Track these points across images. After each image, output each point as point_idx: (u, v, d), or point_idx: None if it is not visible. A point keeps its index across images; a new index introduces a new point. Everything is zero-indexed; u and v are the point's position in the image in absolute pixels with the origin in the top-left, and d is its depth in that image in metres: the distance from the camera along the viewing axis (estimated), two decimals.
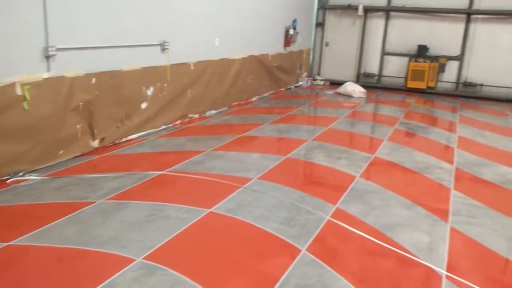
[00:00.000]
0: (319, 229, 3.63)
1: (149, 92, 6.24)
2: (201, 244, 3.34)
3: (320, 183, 4.91)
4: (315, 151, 5.91)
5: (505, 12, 10.41)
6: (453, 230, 3.78)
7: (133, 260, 3.03)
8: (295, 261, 3.12)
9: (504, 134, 7.46)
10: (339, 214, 3.97)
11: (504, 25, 10.58)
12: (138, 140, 5.98)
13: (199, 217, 3.73)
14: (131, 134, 6.00)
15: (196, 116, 7.44)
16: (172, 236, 3.39)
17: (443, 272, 3.12)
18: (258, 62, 9.33)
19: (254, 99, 9.37)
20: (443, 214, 4.10)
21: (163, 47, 6.39)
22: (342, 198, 4.33)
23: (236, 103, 8.72)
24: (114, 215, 3.70)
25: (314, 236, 3.50)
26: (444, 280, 3.03)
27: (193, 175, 4.75)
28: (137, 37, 5.89)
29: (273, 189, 4.44)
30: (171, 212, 3.80)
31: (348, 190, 4.53)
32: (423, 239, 3.58)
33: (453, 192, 4.67)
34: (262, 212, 3.89)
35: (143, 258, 3.06)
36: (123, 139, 5.86)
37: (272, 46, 10.00)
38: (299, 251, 3.27)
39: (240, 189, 4.39)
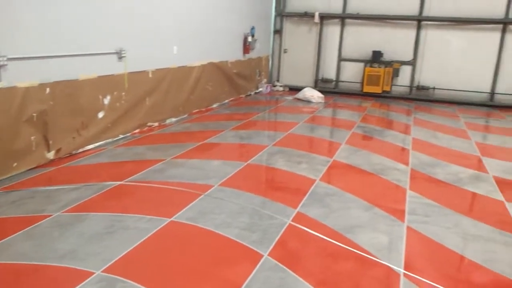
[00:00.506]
0: (280, 234, 3.67)
1: (106, 101, 6.12)
2: (162, 254, 3.30)
3: (281, 188, 4.96)
4: (275, 157, 5.97)
5: (453, 19, 10.89)
6: (409, 229, 3.91)
7: (92, 273, 2.96)
8: (257, 266, 3.15)
9: (456, 135, 7.78)
10: (300, 217, 4.02)
11: (452, 31, 11.06)
12: (96, 150, 5.86)
13: (160, 227, 3.69)
14: (88, 144, 5.87)
15: (156, 124, 7.36)
16: (132, 247, 3.34)
17: (401, 270, 3.22)
18: (218, 69, 9.34)
19: (214, 106, 9.37)
20: (400, 214, 4.23)
21: (120, 55, 6.30)
22: (303, 202, 4.39)
23: (197, 110, 8.70)
24: (72, 228, 3.61)
25: (275, 241, 3.54)
26: (402, 278, 3.13)
27: (153, 184, 4.69)
28: (93, 45, 5.78)
29: (234, 195, 4.46)
30: (131, 223, 3.74)
31: (308, 194, 4.60)
32: (381, 239, 3.68)
33: (409, 192, 4.84)
34: (223, 219, 3.89)
35: (103, 271, 3.00)
36: (80, 150, 5.72)
37: (231, 53, 10.04)
38: (261, 256, 3.29)
39: (201, 196, 4.38)
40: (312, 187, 4.81)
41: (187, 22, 8.01)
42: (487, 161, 6.18)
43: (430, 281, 3.12)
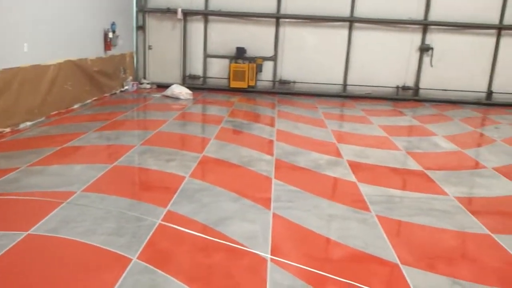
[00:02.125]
0: (150, 235, 3.61)
1: None
2: (20, 271, 3.03)
3: (150, 187, 4.87)
4: (144, 156, 5.83)
5: (307, 16, 11.70)
6: (275, 216, 4.14)
7: None
8: (126, 271, 3.06)
9: (315, 125, 8.40)
10: (170, 216, 4.00)
11: (307, 28, 11.88)
12: None
13: (15, 242, 3.38)
14: None
15: (8, 130, 6.67)
16: None
17: (268, 256, 3.40)
18: (77, 67, 8.78)
19: (76, 106, 8.80)
20: (266, 202, 4.45)
21: None
22: (173, 200, 4.37)
23: (56, 112, 8.08)
24: None
25: (145, 243, 3.47)
26: (269, 263, 3.30)
27: (6, 196, 4.26)
28: None
29: (99, 200, 4.26)
30: None
31: (178, 192, 4.59)
32: (250, 228, 3.84)
33: (274, 181, 5.10)
34: (88, 226, 3.70)
35: None
36: None
37: (91, 50, 9.51)
38: (130, 260, 3.20)
39: (63, 205, 4.10)
40: (182, 184, 4.81)
41: (40, 17, 7.36)
42: (341, 147, 6.78)
43: (295, 262, 3.33)
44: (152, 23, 12.22)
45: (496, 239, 3.91)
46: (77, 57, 8.78)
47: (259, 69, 11.96)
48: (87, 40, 9.30)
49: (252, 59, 11.89)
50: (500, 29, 11.58)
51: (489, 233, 4.02)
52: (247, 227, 3.86)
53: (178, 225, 3.80)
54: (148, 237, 3.57)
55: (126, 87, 11.38)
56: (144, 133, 7.15)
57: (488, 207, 4.74)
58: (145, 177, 5.24)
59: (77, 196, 4.32)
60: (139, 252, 3.33)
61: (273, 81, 12.25)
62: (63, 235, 3.53)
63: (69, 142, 6.24)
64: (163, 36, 12.25)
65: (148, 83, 12.16)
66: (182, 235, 3.66)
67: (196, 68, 12.38)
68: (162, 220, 3.89)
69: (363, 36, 11.82)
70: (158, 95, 10.90)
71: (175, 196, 4.47)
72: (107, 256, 3.27)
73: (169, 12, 11.88)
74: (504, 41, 11.66)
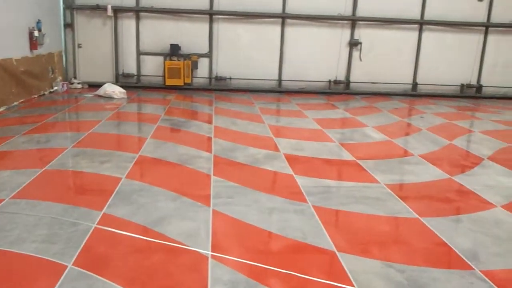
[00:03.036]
0: (85, 240, 3.50)
1: None
2: None
3: (85, 191, 4.72)
4: (76, 158, 5.63)
5: (240, 13, 11.76)
6: (215, 213, 4.15)
7: None
8: (61, 279, 2.95)
9: (252, 120, 8.48)
10: (107, 219, 3.90)
11: (242, 24, 11.95)
12: None
13: None
14: None
15: None
16: None
17: (209, 253, 3.41)
18: (1, 68, 8.27)
19: (1, 109, 8.29)
20: (206, 199, 4.45)
21: None
22: (109, 202, 4.26)
23: None
24: None
25: (80, 248, 3.36)
26: (210, 260, 3.31)
27: None
28: None
29: (30, 207, 4.06)
30: None
31: (114, 194, 4.48)
32: (189, 227, 3.83)
33: (213, 177, 5.11)
34: (18, 234, 3.52)
35: None
36: None
37: (16, 49, 8.98)
38: (65, 267, 3.09)
39: None
40: (118, 186, 4.70)
41: None
42: (278, 141, 6.92)
43: (236, 257, 3.37)
44: (81, 20, 11.75)
45: (424, 222, 4.17)
46: (0, 57, 8.27)
47: (194, 66, 11.88)
48: (10, 39, 8.78)
49: (187, 56, 11.79)
50: (421, 24, 12.29)
51: (418, 216, 4.28)
52: (187, 226, 3.85)
53: (114, 228, 3.72)
54: (84, 242, 3.46)
55: (55, 88, 10.88)
56: (76, 134, 6.89)
57: (416, 192, 5.04)
58: (78, 180, 5.06)
59: (5, 204, 4.09)
60: (74, 258, 3.22)
61: (210, 78, 12.22)
62: None
63: None
64: (93, 34, 11.82)
65: (79, 83, 11.69)
66: (120, 238, 3.59)
67: (129, 66, 12.07)
68: (98, 224, 3.79)
69: (295, 32, 12.09)
70: (90, 95, 10.53)
71: (111, 198, 4.36)
72: (40, 265, 3.14)
73: (99, 9, 11.48)
74: (425, 35, 12.38)
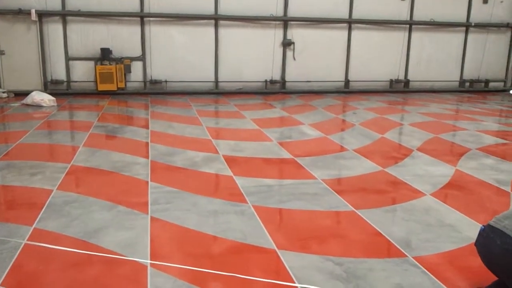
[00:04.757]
0: (15, 258, 3.29)
1: None
2: None
3: (13, 206, 4.46)
4: (3, 172, 5.31)
5: (172, 15, 11.62)
6: (153, 220, 4.06)
7: None
8: None
9: (189, 123, 8.40)
10: (38, 234, 3.70)
11: (174, 26, 11.81)
12: None
13: None
14: None
15: None
16: None
17: (148, 261, 3.33)
18: None
19: None
20: (143, 206, 4.34)
21: None
22: (40, 216, 4.04)
23: None
24: None
25: (9, 267, 3.16)
26: (149, 269, 3.23)
27: None
28: None
29: None
30: None
31: (45, 207, 4.26)
32: (126, 236, 3.71)
33: (150, 183, 5.00)
34: None
35: None
36: None
37: None
38: None
39: None
40: (49, 198, 4.47)
41: None
42: (217, 143, 6.89)
43: (177, 264, 3.31)
44: (2, 26, 11.09)
45: (359, 214, 4.31)
46: None
47: (127, 70, 11.58)
48: None
49: (119, 60, 11.47)
50: (350, 23, 12.74)
51: (353, 209, 4.43)
52: (124, 235, 3.73)
53: (46, 243, 3.53)
54: (13, 260, 3.26)
55: None
56: (3, 146, 6.49)
57: (352, 186, 5.22)
58: (6, 195, 4.76)
59: None
60: (2, 278, 3.02)
61: (144, 82, 11.97)
62: None
63: None
64: (17, 40, 11.20)
65: (4, 92, 11.03)
66: (52, 253, 3.41)
67: (58, 72, 11.55)
68: (28, 240, 3.58)
69: (229, 33, 12.13)
70: (16, 104, 9.96)
71: (41, 212, 4.14)
72: None
73: (22, 13, 10.88)
74: (353, 33, 12.86)
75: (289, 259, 3.41)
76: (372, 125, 8.53)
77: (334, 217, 4.33)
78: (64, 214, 4.11)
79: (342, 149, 6.83)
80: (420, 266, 3.34)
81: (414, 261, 3.42)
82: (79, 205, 4.32)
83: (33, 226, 3.85)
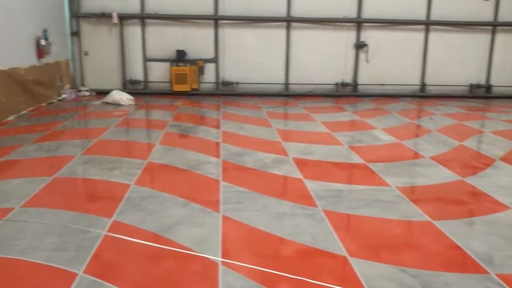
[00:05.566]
0: (96, 247, 3.49)
1: None
2: None
3: (94, 198, 4.72)
4: (85, 166, 5.64)
5: (245, 17, 11.77)
6: (224, 218, 4.13)
7: None
8: (72, 286, 2.94)
9: (260, 124, 8.46)
10: (116, 226, 3.89)
11: (247, 28, 11.96)
12: None
13: None
14: None
15: None
16: None
17: (219, 259, 3.38)
18: (9, 77, 8.34)
19: (10, 118, 8.35)
20: (215, 205, 4.42)
21: None
22: (118, 209, 4.25)
23: None
24: None
25: (91, 256, 3.35)
26: (220, 266, 3.29)
27: None
28: None
29: (40, 215, 4.07)
30: None
31: (123, 200, 4.47)
32: (199, 233, 3.81)
33: (221, 183, 5.09)
34: (29, 243, 3.52)
35: None
36: None
37: (23, 59, 9.06)
38: (76, 275, 3.08)
39: (0, 222, 3.88)
40: (128, 193, 4.69)
41: None
42: (286, 145, 6.88)
43: (247, 263, 3.34)
44: (87, 28, 11.83)
45: (436, 225, 4.11)
46: (8, 67, 8.34)
47: (201, 71, 11.90)
48: (17, 49, 8.86)
49: (193, 62, 11.81)
50: (427, 24, 12.21)
51: (430, 219, 4.22)
52: (197, 232, 3.82)
53: (124, 235, 3.70)
54: (94, 250, 3.45)
55: (64, 96, 10.95)
56: (85, 142, 6.91)
57: (428, 195, 4.98)
58: (88, 187, 5.06)
59: (15, 212, 4.10)
60: (85, 265, 3.21)
61: (216, 83, 12.22)
62: (2, 254, 3.34)
63: (5, 156, 5.92)
64: (100, 42, 11.89)
65: (87, 90, 11.76)
66: (129, 245, 3.57)
67: (136, 72, 12.11)
68: (107, 231, 3.78)
69: (301, 35, 12.07)
70: (98, 102, 10.57)
71: (120, 205, 4.35)
72: (51, 273, 3.13)
73: (104, 16, 11.54)
74: (431, 35, 12.31)
75: (361, 267, 3.32)
76: (450, 131, 8.11)
77: (409, 227, 4.16)
78: (141, 208, 4.29)
79: (417, 156, 6.56)
80: (505, 284, 3.11)
81: (498, 279, 3.19)
82: (155, 201, 4.49)
83: (112, 218, 4.05)
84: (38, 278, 3.08)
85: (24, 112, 8.97)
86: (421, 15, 12.16)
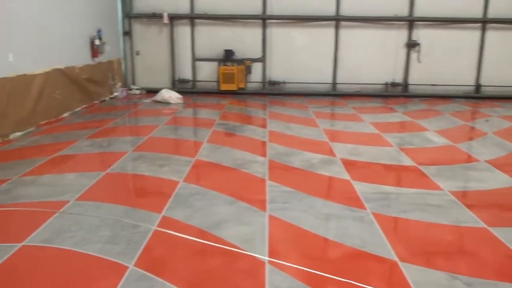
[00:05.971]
0: (146, 242, 3.57)
1: None
2: (16, 283, 2.98)
3: (144, 194, 4.83)
4: (136, 162, 5.79)
5: (293, 17, 11.72)
6: (271, 217, 4.11)
7: None
8: (123, 279, 3.02)
9: (306, 124, 8.39)
10: (165, 222, 3.96)
11: (294, 28, 11.89)
12: None
13: (10, 254, 3.33)
14: None
15: None
16: None
17: (266, 258, 3.37)
18: (65, 76, 8.71)
19: (65, 115, 8.72)
20: (261, 204, 4.42)
21: None
22: (167, 205, 4.33)
23: (45, 121, 8.00)
24: None
25: (141, 250, 3.43)
26: (267, 265, 3.28)
27: None
28: None
29: (93, 208, 4.21)
30: None
31: (172, 197, 4.56)
32: (246, 231, 3.81)
33: (268, 182, 5.08)
34: (83, 235, 3.65)
35: None
36: None
37: (79, 58, 9.44)
38: (127, 268, 3.17)
39: (56, 214, 4.05)
40: (176, 189, 4.77)
41: (24, 26, 7.29)
42: (334, 146, 6.78)
43: (293, 264, 3.31)
44: (138, 28, 12.16)
45: (492, 232, 3.92)
46: (65, 65, 8.71)
47: (248, 71, 11.96)
48: (73, 48, 9.23)
49: (240, 61, 11.88)
50: (484, 22, 11.69)
51: (485, 226, 4.04)
52: (244, 230, 3.83)
53: (173, 231, 3.77)
54: (144, 244, 3.53)
55: (115, 94, 11.32)
56: (136, 139, 7.10)
57: (483, 200, 4.76)
58: (138, 183, 5.19)
59: (70, 205, 4.27)
60: (135, 259, 3.29)
61: (263, 82, 12.24)
62: (57, 245, 3.49)
63: (60, 151, 6.18)
64: (150, 41, 12.20)
65: (137, 89, 12.09)
66: (178, 241, 3.63)
67: (185, 72, 12.33)
68: (157, 226, 3.86)
69: (350, 34, 11.87)
70: (148, 100, 10.84)
71: (169, 201, 4.44)
72: (103, 265, 3.23)
73: (155, 17, 11.82)
74: (489, 34, 11.76)
75: (412, 273, 3.21)
76: (508, 135, 7.72)
77: (463, 233, 3.98)
78: (189, 205, 4.35)
79: (472, 159, 6.29)
80: None
81: None
82: (202, 198, 4.55)
83: (162, 214, 4.13)
84: (91, 269, 3.19)
85: (78, 109, 9.34)
86: (477, 12, 11.65)
